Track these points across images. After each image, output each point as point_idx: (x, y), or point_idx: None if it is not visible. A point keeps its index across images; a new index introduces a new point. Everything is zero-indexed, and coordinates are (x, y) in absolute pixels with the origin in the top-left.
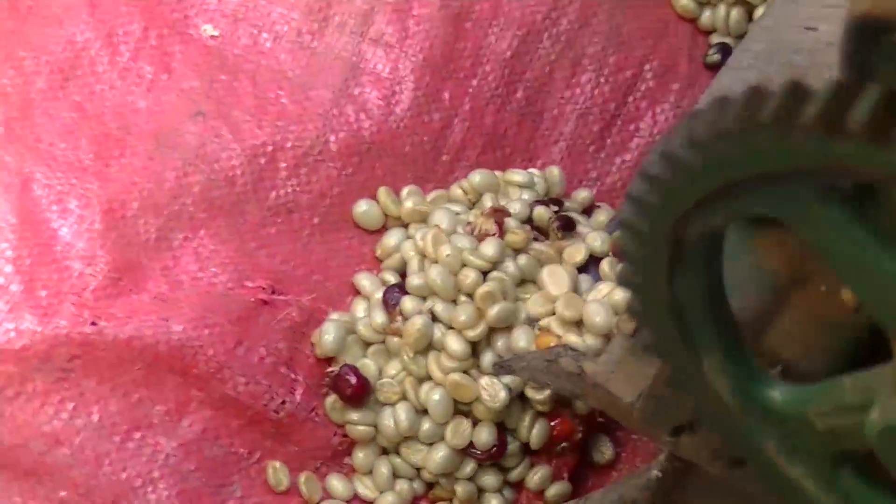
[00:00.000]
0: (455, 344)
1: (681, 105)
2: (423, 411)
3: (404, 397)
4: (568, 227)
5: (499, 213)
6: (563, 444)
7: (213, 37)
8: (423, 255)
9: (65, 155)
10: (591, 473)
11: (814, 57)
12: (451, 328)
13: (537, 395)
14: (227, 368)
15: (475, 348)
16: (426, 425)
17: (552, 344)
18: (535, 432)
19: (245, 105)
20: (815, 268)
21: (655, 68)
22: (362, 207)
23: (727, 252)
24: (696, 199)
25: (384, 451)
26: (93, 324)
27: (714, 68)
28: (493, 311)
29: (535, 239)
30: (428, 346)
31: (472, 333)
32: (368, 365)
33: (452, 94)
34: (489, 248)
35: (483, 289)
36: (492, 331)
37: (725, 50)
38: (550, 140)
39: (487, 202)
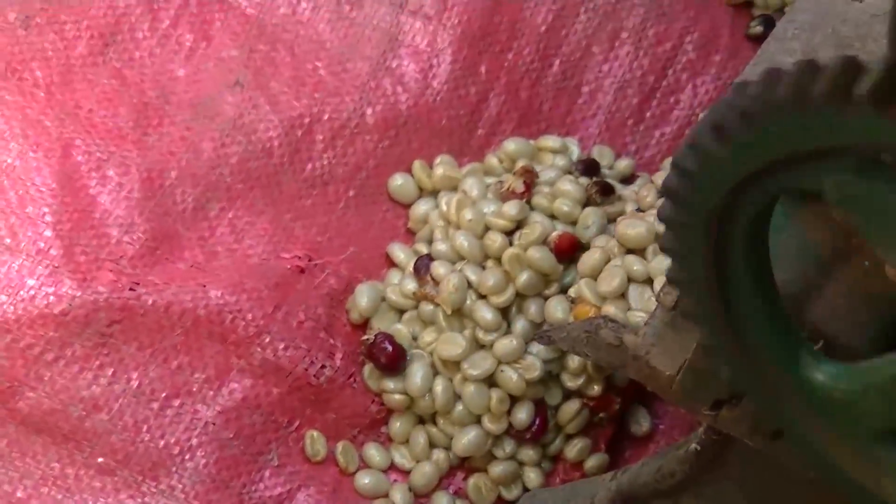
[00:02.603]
0: (484, 312)
1: (722, 77)
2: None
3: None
4: (606, 191)
5: (528, 174)
6: (601, 416)
7: (252, 5)
8: (447, 222)
9: (104, 122)
10: (628, 445)
11: (859, 28)
12: (481, 297)
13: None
14: (266, 333)
15: (506, 315)
16: (459, 408)
17: (591, 315)
18: (570, 411)
19: (283, 76)
20: (859, 242)
21: (696, 40)
22: (397, 181)
23: (772, 224)
24: (743, 172)
25: (421, 421)
26: (131, 289)
27: (756, 40)
28: (523, 277)
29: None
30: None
31: (500, 299)
32: (402, 331)
33: (489, 68)
34: (511, 208)
35: (509, 252)
36: (523, 298)
37: (768, 21)
38: (588, 114)
39: (520, 164)
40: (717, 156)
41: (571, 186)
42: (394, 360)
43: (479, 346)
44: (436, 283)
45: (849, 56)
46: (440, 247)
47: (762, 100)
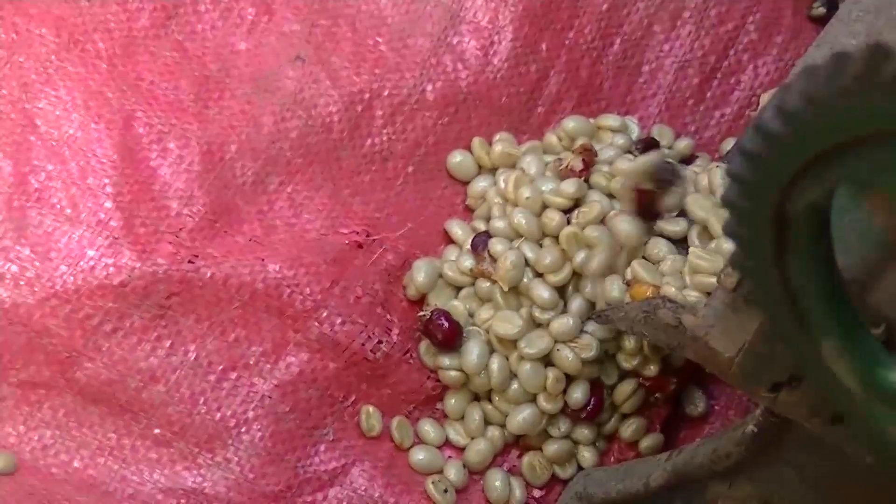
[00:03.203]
0: (541, 290)
1: (783, 58)
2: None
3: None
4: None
5: (587, 152)
6: (657, 396)
7: None
8: (505, 199)
9: (165, 94)
10: (683, 426)
11: None
12: (538, 275)
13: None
14: (323, 307)
15: (562, 294)
16: (514, 386)
17: (648, 295)
18: (626, 391)
19: (344, 51)
20: None
21: (758, 21)
22: (456, 158)
23: (835, 207)
24: (808, 155)
25: (476, 398)
26: (190, 262)
27: (818, 21)
28: (580, 256)
29: None
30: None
31: (557, 278)
32: (458, 307)
33: (549, 46)
34: (569, 186)
35: (567, 230)
36: (579, 276)
37: (831, 3)
38: (648, 93)
39: (579, 142)
40: (783, 139)
41: (629, 165)
42: (450, 337)
43: (535, 324)
44: (493, 260)
45: None
46: (498, 224)
47: (830, 83)
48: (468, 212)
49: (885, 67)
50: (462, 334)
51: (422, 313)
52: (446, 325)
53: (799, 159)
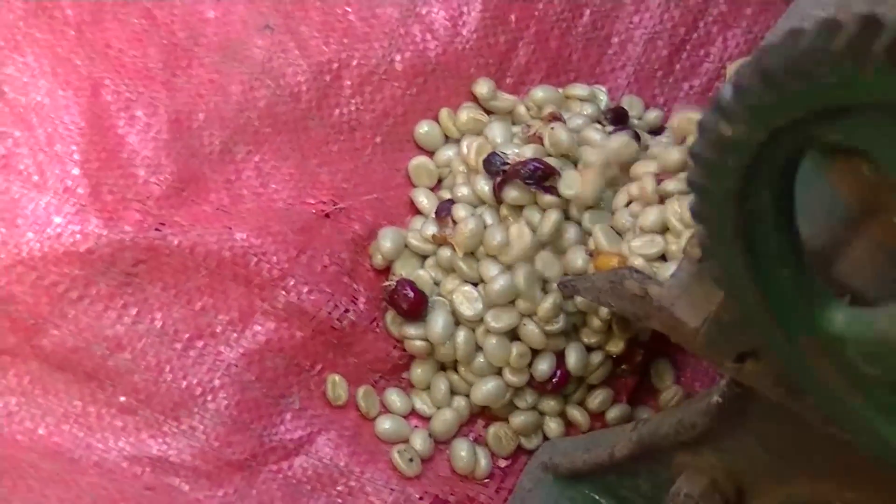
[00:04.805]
0: (490, 268)
1: (753, 31)
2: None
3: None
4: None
5: (555, 120)
6: (624, 368)
7: None
8: (469, 167)
9: (133, 62)
10: (650, 397)
11: None
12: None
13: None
14: (290, 276)
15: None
16: (480, 359)
17: (614, 265)
18: (593, 363)
19: (313, 20)
20: (887, 197)
21: None
22: (423, 128)
23: (799, 179)
24: (769, 130)
25: (442, 367)
26: (157, 230)
27: None
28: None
29: None
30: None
31: (507, 257)
32: (423, 277)
33: (519, 17)
34: (529, 151)
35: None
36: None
37: None
38: (617, 65)
39: (548, 111)
40: (743, 116)
41: (597, 135)
42: (415, 307)
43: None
44: (456, 226)
45: (868, 13)
46: (462, 191)
47: (784, 60)
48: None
49: (836, 42)
50: (427, 304)
51: (387, 283)
52: (412, 294)
53: (775, 121)
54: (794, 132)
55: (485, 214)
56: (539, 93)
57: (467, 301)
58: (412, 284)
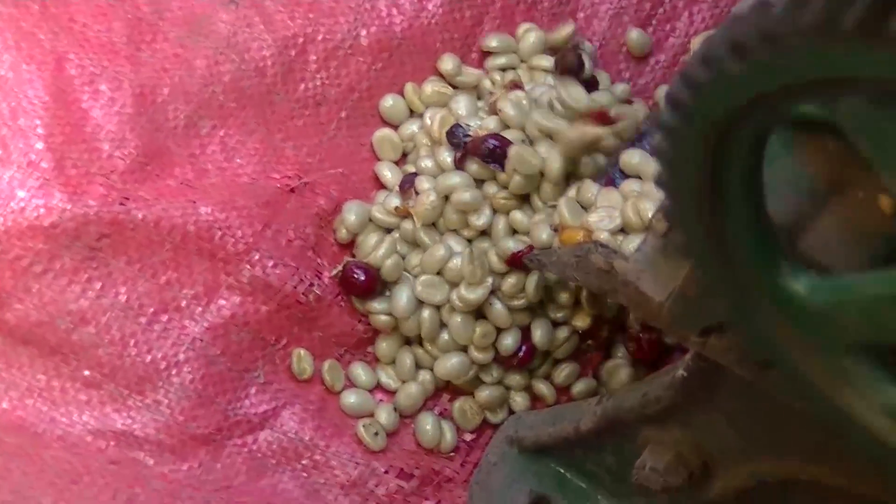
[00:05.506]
0: (452, 243)
1: (719, 5)
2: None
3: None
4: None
5: (516, 88)
6: (589, 343)
7: None
8: (431, 139)
9: (98, 36)
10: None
11: None
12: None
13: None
14: (255, 250)
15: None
16: (445, 336)
17: (580, 239)
18: (558, 337)
19: None
20: (854, 173)
21: None
22: (388, 102)
23: (767, 155)
24: (738, 103)
25: (407, 342)
26: (121, 204)
27: None
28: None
29: None
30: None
31: (479, 221)
32: (386, 253)
33: None
34: (491, 122)
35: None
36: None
37: None
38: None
39: (508, 79)
40: (711, 88)
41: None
42: (367, 288)
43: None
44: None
45: None
46: (425, 163)
47: (753, 31)
48: (402, 157)
49: (805, 15)
50: (379, 280)
51: (335, 272)
52: (362, 276)
53: (744, 94)
54: (763, 105)
55: (449, 179)
56: (502, 59)
57: (431, 288)
58: (363, 266)
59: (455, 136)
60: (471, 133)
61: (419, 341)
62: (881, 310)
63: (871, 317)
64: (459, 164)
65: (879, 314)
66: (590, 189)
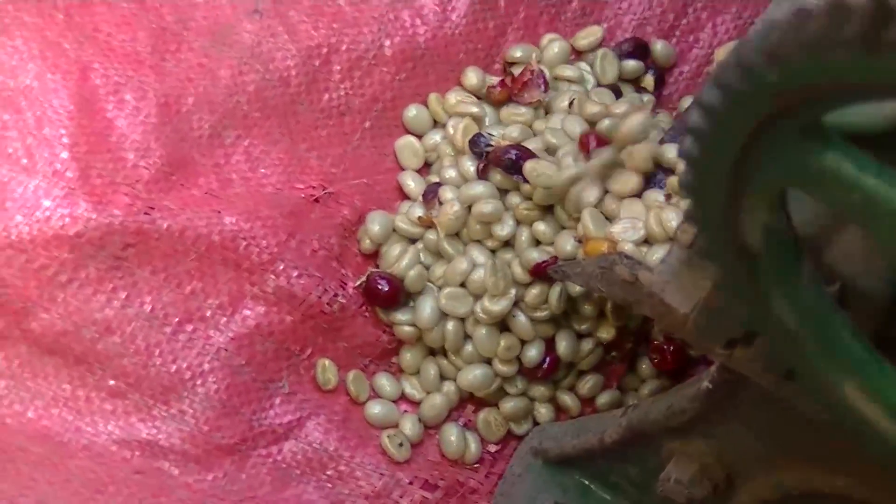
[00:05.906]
0: (475, 254)
1: (742, 16)
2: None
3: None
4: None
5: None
6: (614, 354)
7: None
8: (455, 148)
9: (122, 46)
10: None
11: None
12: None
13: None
14: (279, 260)
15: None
16: (469, 348)
17: (604, 250)
18: (584, 349)
19: (302, 5)
20: None
21: None
22: (412, 112)
23: None
24: (770, 110)
25: (432, 352)
26: (146, 213)
27: None
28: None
29: None
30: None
31: (503, 231)
32: (410, 263)
33: (507, 2)
34: (515, 130)
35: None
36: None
37: None
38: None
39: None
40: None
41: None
42: (391, 299)
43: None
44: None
45: None
46: (449, 173)
47: (791, 40)
48: (425, 167)
49: (846, 25)
50: (403, 290)
51: (359, 281)
52: (386, 287)
53: (758, 114)
54: (794, 112)
55: (472, 189)
56: (517, 52)
57: (455, 300)
58: (385, 277)
59: (478, 146)
60: (492, 143)
61: (443, 352)
62: None
63: None
64: (482, 174)
65: None
66: (613, 201)
